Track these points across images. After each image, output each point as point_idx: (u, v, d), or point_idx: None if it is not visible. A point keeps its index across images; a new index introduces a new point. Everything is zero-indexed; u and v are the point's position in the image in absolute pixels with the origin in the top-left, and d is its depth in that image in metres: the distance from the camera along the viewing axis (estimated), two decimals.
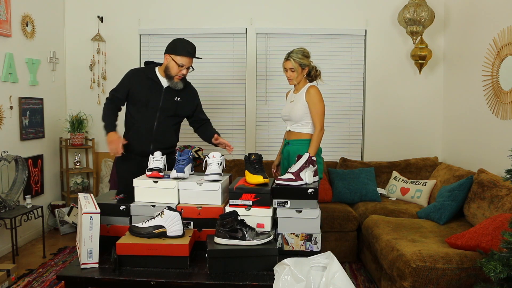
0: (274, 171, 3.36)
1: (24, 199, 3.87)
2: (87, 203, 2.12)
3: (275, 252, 2.03)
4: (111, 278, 1.96)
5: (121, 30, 4.72)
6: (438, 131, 4.63)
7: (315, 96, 3.02)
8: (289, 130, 3.17)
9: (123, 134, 3.03)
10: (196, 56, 2.89)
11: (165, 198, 2.35)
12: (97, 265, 2.05)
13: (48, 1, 4.47)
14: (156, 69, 2.96)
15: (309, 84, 3.12)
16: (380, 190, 4.20)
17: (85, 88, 4.79)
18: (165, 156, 2.60)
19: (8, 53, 3.80)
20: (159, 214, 2.13)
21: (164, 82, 2.93)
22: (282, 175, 3.11)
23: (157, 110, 2.93)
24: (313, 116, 3.03)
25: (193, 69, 2.94)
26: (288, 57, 3.08)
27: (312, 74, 3.17)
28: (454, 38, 4.30)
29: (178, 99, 2.97)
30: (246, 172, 2.40)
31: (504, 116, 3.32)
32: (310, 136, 3.07)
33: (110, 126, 2.86)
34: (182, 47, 2.82)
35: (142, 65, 3.13)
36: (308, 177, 2.31)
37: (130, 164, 2.94)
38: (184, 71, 2.87)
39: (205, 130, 3.14)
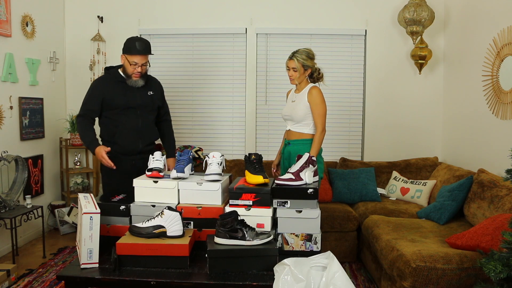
0: (274, 170, 3.36)
1: (24, 199, 3.87)
2: (87, 203, 2.12)
3: (275, 252, 2.03)
4: (111, 278, 1.97)
5: (121, 30, 4.71)
6: (438, 131, 4.63)
7: (317, 97, 3.02)
8: (290, 130, 3.17)
9: (107, 140, 3.03)
10: (151, 52, 2.95)
11: (165, 198, 2.35)
12: (97, 265, 2.05)
13: (48, 1, 4.47)
14: (119, 71, 3.01)
15: (311, 84, 3.11)
16: (380, 190, 4.20)
17: (85, 88, 4.70)
18: (165, 156, 2.60)
19: (8, 53, 3.80)
20: (159, 214, 2.13)
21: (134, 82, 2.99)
22: (282, 175, 3.12)
23: (138, 108, 2.99)
24: (315, 118, 3.03)
25: (150, 65, 2.99)
26: (292, 56, 3.07)
27: (315, 76, 3.16)
28: (454, 38, 4.30)
29: (151, 92, 3.06)
30: (246, 172, 2.40)
31: (504, 116, 3.32)
32: (311, 136, 3.07)
33: (94, 142, 2.92)
34: (132, 46, 2.87)
35: (104, 69, 3.17)
36: (308, 177, 2.31)
37: (120, 166, 2.93)
38: (138, 69, 2.90)
39: (163, 135, 3.22)
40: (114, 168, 2.86)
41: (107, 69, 3.08)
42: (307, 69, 3.08)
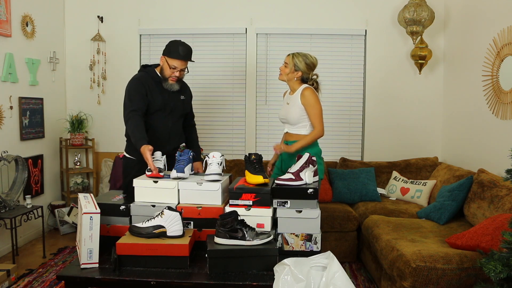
0: (270, 169, 3.33)
1: (24, 199, 3.87)
2: (87, 203, 2.12)
3: (275, 252, 2.03)
4: (111, 278, 1.96)
5: (121, 30, 4.72)
6: (438, 131, 4.63)
7: (310, 98, 2.96)
8: (287, 132, 3.16)
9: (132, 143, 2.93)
10: (192, 59, 2.90)
11: (165, 198, 2.35)
12: (97, 265, 2.05)
13: (48, 1, 4.47)
14: (156, 71, 2.96)
15: (304, 86, 3.04)
16: (380, 190, 4.20)
17: (85, 88, 4.79)
18: (165, 156, 2.60)
19: (8, 53, 3.80)
20: (159, 214, 2.13)
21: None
22: (276, 174, 3.09)
23: (171, 111, 2.96)
24: (312, 119, 2.98)
25: (188, 71, 2.95)
26: (291, 53, 3.08)
27: (309, 84, 3.10)
28: (454, 38, 4.30)
29: (183, 97, 3.03)
30: (246, 172, 2.40)
31: (504, 116, 3.32)
32: None
33: (143, 140, 2.67)
34: (175, 50, 2.82)
35: (141, 66, 3.10)
36: (308, 177, 2.31)
37: (143, 168, 2.87)
38: (177, 73, 2.87)
39: (191, 140, 3.20)
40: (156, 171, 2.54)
41: (143, 66, 3.03)
42: (298, 71, 3.04)
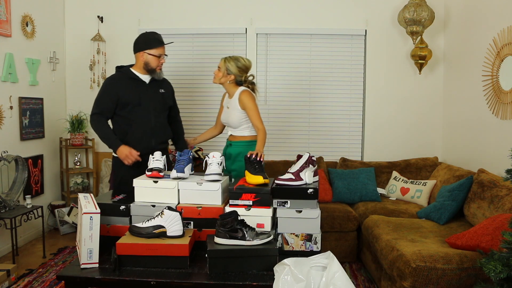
0: (191, 139, 3.36)
1: (24, 199, 3.87)
2: (87, 203, 2.12)
3: (275, 252, 2.04)
4: (111, 278, 1.97)
5: (121, 30, 4.72)
6: (438, 131, 4.63)
7: (248, 102, 3.04)
8: (231, 134, 3.21)
9: (119, 140, 3.04)
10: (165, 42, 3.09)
11: (165, 198, 2.35)
12: (97, 265, 2.06)
13: (48, 1, 4.47)
14: (131, 69, 3.06)
15: (240, 89, 3.11)
16: (380, 190, 4.20)
17: (85, 88, 4.79)
18: (165, 156, 2.61)
19: (8, 53, 3.80)
20: (159, 214, 2.13)
21: (146, 78, 3.06)
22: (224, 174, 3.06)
23: (150, 106, 3.03)
24: (252, 121, 3.06)
25: (167, 55, 3.10)
26: (224, 57, 3.15)
27: (244, 86, 3.15)
28: (454, 38, 4.30)
29: (162, 90, 3.13)
30: (246, 172, 2.40)
31: (504, 116, 3.32)
32: (252, 138, 3.12)
33: (117, 142, 2.96)
34: (153, 40, 2.98)
35: (116, 67, 3.23)
36: (308, 177, 2.31)
37: (131, 165, 2.95)
38: (163, 60, 3.03)
39: (177, 136, 3.31)
40: (139, 160, 2.91)
41: (118, 67, 3.14)
42: (230, 74, 3.11)
